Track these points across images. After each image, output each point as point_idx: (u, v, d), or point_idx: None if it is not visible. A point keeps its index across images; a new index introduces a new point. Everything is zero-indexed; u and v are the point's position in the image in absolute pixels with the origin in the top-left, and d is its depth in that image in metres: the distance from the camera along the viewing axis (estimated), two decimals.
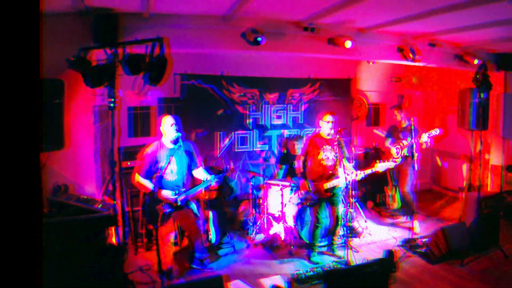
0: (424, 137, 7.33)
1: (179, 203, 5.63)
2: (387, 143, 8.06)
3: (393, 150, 7.80)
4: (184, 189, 5.74)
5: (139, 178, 5.68)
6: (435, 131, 7.35)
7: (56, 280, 4.37)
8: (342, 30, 7.35)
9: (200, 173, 5.91)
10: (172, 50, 5.78)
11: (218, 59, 8.57)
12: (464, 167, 10.01)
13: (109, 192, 6.43)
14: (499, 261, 6.42)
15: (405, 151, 7.65)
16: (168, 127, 5.71)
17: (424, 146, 7.39)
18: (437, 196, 10.57)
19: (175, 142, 5.70)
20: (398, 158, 7.57)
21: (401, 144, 7.68)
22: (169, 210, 5.57)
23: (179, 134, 5.66)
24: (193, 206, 5.84)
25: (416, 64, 8.29)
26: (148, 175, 5.67)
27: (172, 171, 5.71)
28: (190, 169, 5.88)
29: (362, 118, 10.47)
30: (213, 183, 5.75)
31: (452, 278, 5.88)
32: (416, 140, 7.32)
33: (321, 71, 9.61)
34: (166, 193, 5.62)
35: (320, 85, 9.65)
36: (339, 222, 6.54)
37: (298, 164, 6.62)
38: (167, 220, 5.75)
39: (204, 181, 5.79)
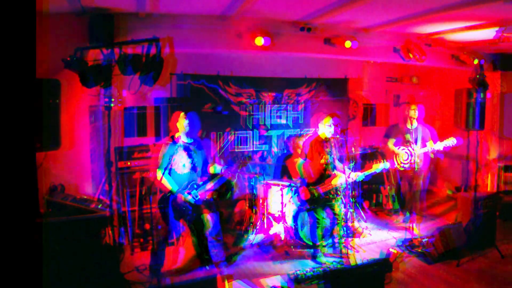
0: (439, 146, 7.23)
1: (198, 197, 5.72)
2: (391, 144, 7.80)
3: (403, 156, 7.55)
4: (201, 183, 5.82)
5: (162, 177, 5.72)
6: (452, 142, 7.22)
7: (52, 280, 4.36)
8: (340, 30, 7.35)
9: (214, 169, 6.00)
10: (167, 49, 5.79)
11: (214, 59, 8.56)
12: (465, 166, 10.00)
13: (106, 192, 6.42)
14: (495, 261, 6.43)
15: (416, 159, 7.43)
16: (181, 123, 5.82)
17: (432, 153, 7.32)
18: (434, 196, 10.57)
19: (187, 137, 5.83)
20: (406, 163, 7.42)
21: (411, 149, 7.49)
22: (190, 208, 5.73)
23: (189, 129, 5.81)
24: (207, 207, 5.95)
25: (413, 63, 8.27)
26: (164, 170, 5.75)
27: (185, 165, 5.79)
28: (204, 165, 5.97)
29: (358, 118, 10.47)
30: (229, 173, 5.80)
31: (449, 278, 5.89)
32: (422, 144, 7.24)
33: (317, 70, 9.58)
34: (186, 197, 5.69)
35: (317, 85, 9.63)
36: (339, 222, 6.52)
37: (296, 166, 6.59)
38: (183, 218, 5.88)
39: (217, 172, 5.90)
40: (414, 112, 7.65)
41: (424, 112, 7.74)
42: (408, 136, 7.56)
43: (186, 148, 5.82)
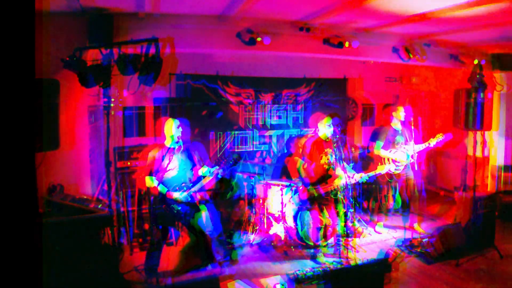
0: (433, 142, 7.22)
1: (189, 199, 5.71)
2: (379, 149, 7.52)
3: (402, 157, 7.33)
4: (191, 184, 5.81)
5: (151, 181, 5.74)
6: (442, 136, 7.24)
7: (52, 280, 4.36)
8: (340, 30, 7.34)
9: (204, 170, 5.98)
10: (167, 50, 5.79)
11: (213, 59, 8.56)
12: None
13: (105, 192, 6.41)
14: (494, 261, 6.42)
15: (408, 160, 7.35)
16: (173, 128, 5.79)
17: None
18: (433, 196, 10.56)
19: (177, 142, 5.80)
20: (402, 166, 7.34)
21: (405, 150, 7.36)
22: (181, 209, 5.72)
23: (180, 133, 5.78)
24: (204, 207, 5.90)
25: (413, 63, 8.26)
26: (154, 176, 5.75)
27: (175, 169, 5.78)
28: (194, 168, 5.95)
29: (357, 118, 10.47)
30: (220, 173, 5.77)
31: (448, 278, 5.89)
32: (417, 142, 7.20)
33: (316, 71, 9.59)
34: (176, 195, 5.69)
35: (316, 85, 9.64)
36: (341, 222, 6.52)
37: (296, 167, 6.56)
38: (177, 220, 5.92)
39: (209, 172, 5.85)
40: (401, 114, 7.56)
41: (411, 113, 7.65)
42: (399, 138, 7.49)
43: (176, 153, 5.81)
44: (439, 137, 7.21)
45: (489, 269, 6.17)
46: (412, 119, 7.37)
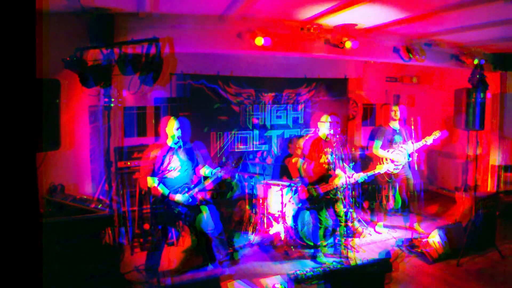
0: (430, 140, 7.23)
1: (190, 200, 5.70)
2: (377, 149, 7.60)
3: (400, 156, 7.35)
4: (192, 185, 5.80)
5: (152, 182, 5.74)
6: (439, 133, 7.24)
7: (52, 280, 4.35)
8: (341, 30, 7.34)
9: (206, 170, 5.98)
10: (167, 49, 5.79)
11: (214, 59, 8.55)
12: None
13: (106, 192, 6.42)
14: (495, 261, 6.42)
15: (406, 159, 7.38)
16: (172, 127, 5.78)
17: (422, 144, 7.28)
18: (434, 196, 10.56)
19: (178, 142, 5.79)
20: (400, 165, 7.33)
21: (403, 149, 7.39)
22: (181, 210, 5.71)
23: (180, 134, 5.77)
24: (205, 207, 5.88)
25: (413, 63, 8.25)
26: (156, 176, 5.74)
27: (177, 169, 5.77)
28: (195, 168, 5.95)
29: (358, 118, 10.47)
30: (221, 175, 5.77)
31: (449, 278, 5.89)
32: (416, 141, 7.22)
33: (317, 70, 9.58)
34: (178, 197, 5.67)
35: (316, 85, 9.63)
36: (341, 222, 6.51)
37: (297, 167, 6.57)
38: (180, 221, 5.93)
39: (210, 174, 5.86)
40: (396, 113, 7.61)
41: (406, 112, 7.71)
42: (397, 138, 7.52)
43: (177, 153, 5.81)
44: (436, 134, 7.23)
45: (490, 269, 6.18)
46: (412, 118, 7.39)
